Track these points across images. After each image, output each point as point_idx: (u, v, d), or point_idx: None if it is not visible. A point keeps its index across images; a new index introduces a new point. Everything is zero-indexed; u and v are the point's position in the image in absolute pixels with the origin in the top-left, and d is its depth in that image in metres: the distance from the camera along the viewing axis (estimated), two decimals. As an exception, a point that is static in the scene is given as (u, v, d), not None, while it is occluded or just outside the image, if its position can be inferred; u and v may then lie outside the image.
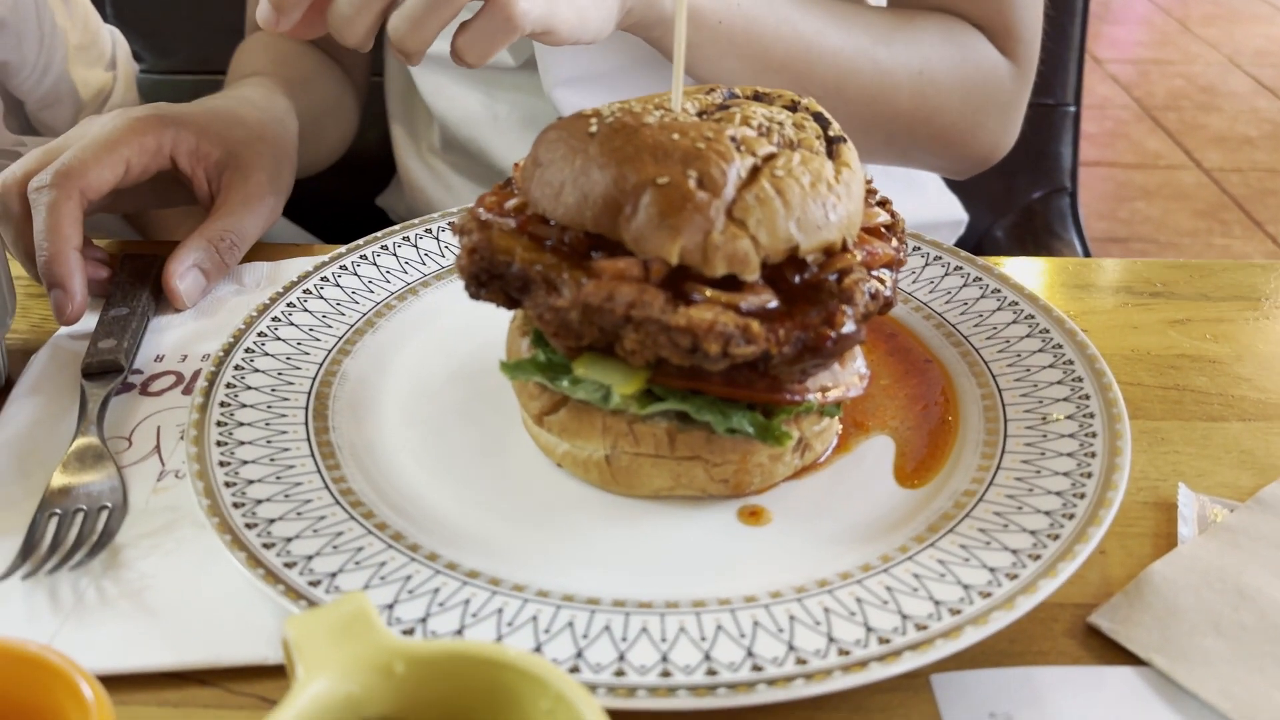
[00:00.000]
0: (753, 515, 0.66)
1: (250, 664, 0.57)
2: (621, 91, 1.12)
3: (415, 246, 0.90)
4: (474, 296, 0.65)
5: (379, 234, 0.91)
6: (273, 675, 0.57)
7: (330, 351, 0.78)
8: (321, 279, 0.85)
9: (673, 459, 0.65)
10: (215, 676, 0.57)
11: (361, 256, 0.88)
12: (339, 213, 1.40)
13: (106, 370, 0.77)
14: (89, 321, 0.84)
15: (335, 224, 1.40)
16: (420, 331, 0.82)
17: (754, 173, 0.61)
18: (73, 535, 0.64)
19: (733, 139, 0.62)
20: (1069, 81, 1.51)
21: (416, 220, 0.93)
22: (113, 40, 1.29)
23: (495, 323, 0.74)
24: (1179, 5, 5.40)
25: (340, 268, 0.86)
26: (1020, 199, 1.56)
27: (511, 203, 0.67)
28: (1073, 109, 1.53)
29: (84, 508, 0.66)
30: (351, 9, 0.71)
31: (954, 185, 1.41)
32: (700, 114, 0.67)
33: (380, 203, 1.43)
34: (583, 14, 0.76)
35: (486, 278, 0.64)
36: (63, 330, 0.85)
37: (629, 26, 0.86)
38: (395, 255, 0.89)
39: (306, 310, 0.82)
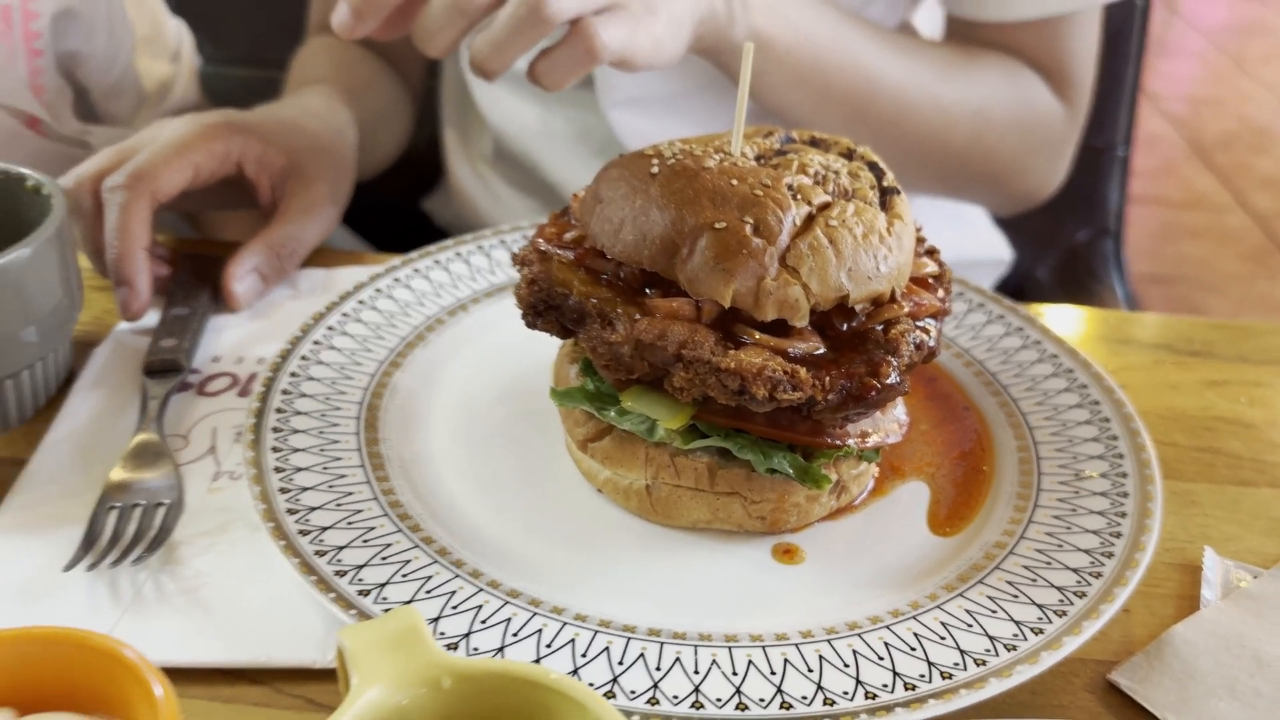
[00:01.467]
0: (787, 553, 0.68)
1: (300, 666, 0.60)
2: (677, 114, 1.14)
3: (466, 262, 0.92)
4: (530, 325, 0.68)
5: (431, 247, 0.93)
6: (320, 679, 0.59)
7: (382, 364, 0.81)
8: (375, 290, 0.87)
9: (712, 493, 0.67)
10: (265, 676, 0.60)
11: (414, 270, 0.90)
12: (383, 214, 1.42)
13: (167, 369, 0.80)
14: (149, 317, 0.87)
15: (379, 225, 1.42)
16: (469, 348, 0.85)
17: (809, 221, 0.63)
18: (131, 530, 0.67)
19: (789, 187, 0.64)
20: (1119, 124, 1.51)
21: (469, 236, 0.95)
22: (179, 33, 1.31)
23: (542, 344, 0.76)
24: (1234, 42, 5.34)
25: (394, 280, 0.89)
26: (1064, 239, 1.56)
27: (570, 235, 0.69)
28: (1121, 153, 1.53)
29: (142, 503, 0.69)
30: (439, 23, 0.74)
31: (998, 221, 1.41)
32: (758, 158, 0.69)
33: (426, 206, 1.45)
34: (659, 43, 0.78)
35: (544, 308, 0.66)
36: (123, 325, 0.88)
37: (699, 52, 0.88)
38: (446, 270, 0.91)
39: (360, 321, 0.84)
